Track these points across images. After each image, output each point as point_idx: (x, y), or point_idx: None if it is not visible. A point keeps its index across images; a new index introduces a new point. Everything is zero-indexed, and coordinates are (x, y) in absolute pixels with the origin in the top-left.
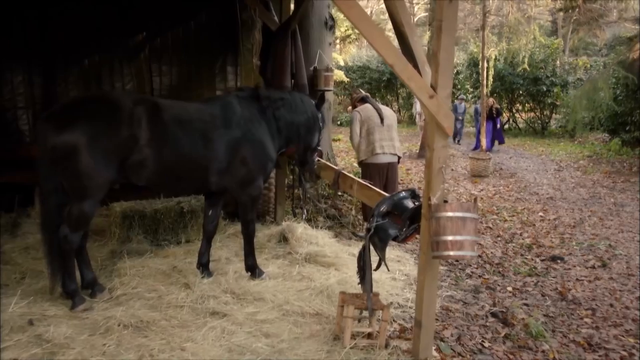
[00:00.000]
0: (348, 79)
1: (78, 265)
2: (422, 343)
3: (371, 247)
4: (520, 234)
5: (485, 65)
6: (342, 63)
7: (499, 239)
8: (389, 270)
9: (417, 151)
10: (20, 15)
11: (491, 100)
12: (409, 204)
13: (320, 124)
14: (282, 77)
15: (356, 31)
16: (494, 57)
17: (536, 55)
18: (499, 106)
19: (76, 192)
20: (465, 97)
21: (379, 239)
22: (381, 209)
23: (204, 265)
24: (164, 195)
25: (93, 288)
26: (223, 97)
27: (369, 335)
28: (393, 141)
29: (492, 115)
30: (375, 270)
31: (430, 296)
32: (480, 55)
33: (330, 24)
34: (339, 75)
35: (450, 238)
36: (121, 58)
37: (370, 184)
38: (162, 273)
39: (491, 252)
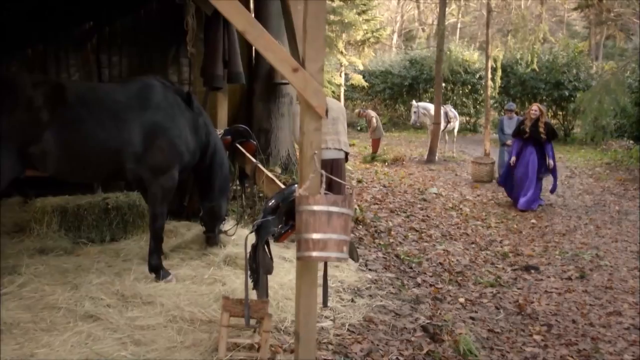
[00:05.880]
0: (367, 84)
1: None
2: (301, 358)
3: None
4: (500, 242)
5: (492, 65)
6: (361, 67)
7: (473, 245)
8: (270, 273)
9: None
10: None
11: (535, 107)
12: None
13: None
14: (213, 65)
15: (376, 35)
16: (501, 56)
17: (559, 59)
18: (548, 120)
19: None
20: (513, 106)
21: (260, 238)
22: (269, 204)
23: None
24: (79, 184)
25: None
26: (144, 79)
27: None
28: (338, 135)
29: (538, 136)
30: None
31: (309, 304)
32: (486, 54)
33: None
34: (357, 79)
35: (313, 236)
36: (67, 48)
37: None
38: (61, 272)
39: (456, 260)
